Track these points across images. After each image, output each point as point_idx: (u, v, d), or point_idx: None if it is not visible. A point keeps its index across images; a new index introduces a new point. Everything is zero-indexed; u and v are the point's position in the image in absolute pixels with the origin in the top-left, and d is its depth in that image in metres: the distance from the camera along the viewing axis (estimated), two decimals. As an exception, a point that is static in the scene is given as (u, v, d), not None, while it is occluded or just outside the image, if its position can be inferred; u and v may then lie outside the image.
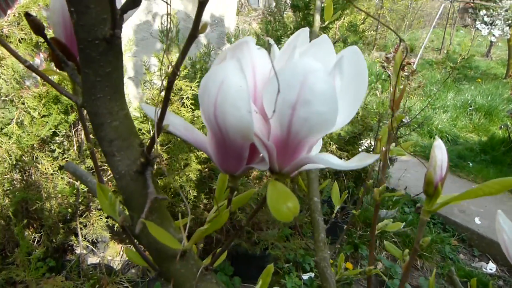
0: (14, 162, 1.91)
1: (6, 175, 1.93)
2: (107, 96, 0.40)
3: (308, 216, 2.33)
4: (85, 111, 0.42)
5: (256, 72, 0.38)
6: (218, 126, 0.35)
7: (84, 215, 2.12)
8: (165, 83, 0.36)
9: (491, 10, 8.84)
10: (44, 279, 1.84)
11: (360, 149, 2.85)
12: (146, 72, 2.19)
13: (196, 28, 0.32)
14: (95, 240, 2.28)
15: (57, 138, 2.04)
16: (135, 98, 2.92)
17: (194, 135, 0.41)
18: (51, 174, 1.99)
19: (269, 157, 0.37)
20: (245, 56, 0.37)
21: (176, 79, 1.55)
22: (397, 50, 3.56)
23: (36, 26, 0.40)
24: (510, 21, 8.19)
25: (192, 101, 2.04)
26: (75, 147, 2.06)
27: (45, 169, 1.96)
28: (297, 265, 2.58)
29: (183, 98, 2.09)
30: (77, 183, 2.04)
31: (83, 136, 2.05)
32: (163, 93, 0.38)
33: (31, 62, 0.42)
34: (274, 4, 2.81)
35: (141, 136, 2.06)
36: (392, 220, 0.71)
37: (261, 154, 0.38)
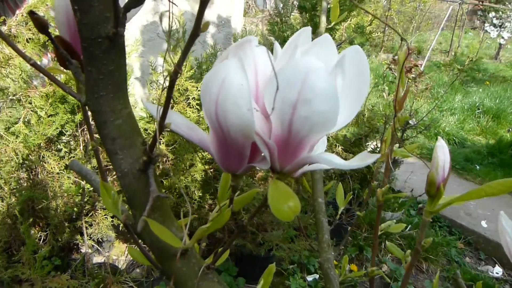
0: (21, 161, 1.92)
1: (13, 174, 1.94)
2: (110, 94, 0.40)
3: (313, 218, 2.33)
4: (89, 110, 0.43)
5: (258, 71, 0.38)
6: (219, 124, 0.35)
7: (89, 215, 2.13)
8: (167, 82, 0.36)
9: (500, 12, 8.80)
10: (50, 277, 1.85)
11: (366, 151, 2.84)
12: (152, 72, 2.19)
13: (198, 27, 0.32)
14: (100, 240, 2.29)
15: (63, 137, 2.05)
16: (142, 98, 2.93)
17: (196, 134, 0.41)
18: (57, 173, 2.00)
19: (271, 156, 0.37)
20: (248, 55, 0.37)
21: (179, 78, 1.55)
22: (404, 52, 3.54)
23: (41, 25, 0.40)
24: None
25: (198, 102, 2.05)
26: (81, 147, 2.07)
27: (51, 168, 1.98)
28: (301, 267, 2.58)
29: (189, 98, 2.09)
30: (83, 183, 2.05)
31: (89, 136, 2.06)
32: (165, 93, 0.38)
33: (35, 61, 0.42)
34: (281, 5, 2.82)
35: (147, 137, 2.07)
36: (395, 222, 0.71)
37: (263, 153, 0.38)
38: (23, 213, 1.93)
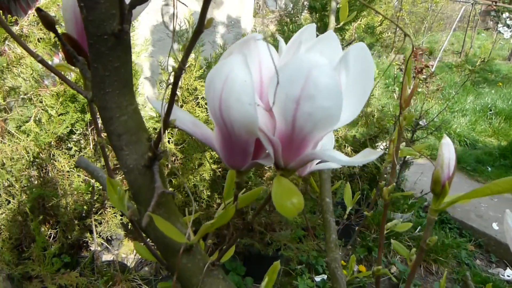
0: (32, 159, 1.94)
1: (24, 172, 1.96)
2: (116, 90, 0.40)
3: (321, 218, 2.32)
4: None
5: (263, 67, 0.38)
6: (223, 120, 0.35)
7: (99, 213, 2.15)
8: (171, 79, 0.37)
9: (513, 13, 8.70)
10: (59, 274, 1.87)
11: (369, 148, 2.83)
12: (162, 72, 2.20)
13: (202, 23, 0.32)
14: (109, 238, 2.31)
15: (73, 136, 2.07)
16: (148, 96, 2.94)
17: (201, 130, 0.42)
18: (68, 171, 2.02)
19: (275, 153, 0.37)
20: (252, 51, 0.38)
21: (188, 78, 1.56)
22: (416, 53, 3.52)
23: (48, 22, 0.41)
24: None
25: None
26: (91, 146, 2.08)
27: (61, 166, 1.99)
28: (309, 267, 2.58)
29: (198, 98, 2.10)
30: (93, 181, 2.06)
31: (96, 132, 2.07)
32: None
33: (42, 57, 0.42)
34: (291, 6, 2.81)
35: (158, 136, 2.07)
36: (401, 221, 0.70)
37: (267, 150, 0.39)
38: (34, 211, 1.95)
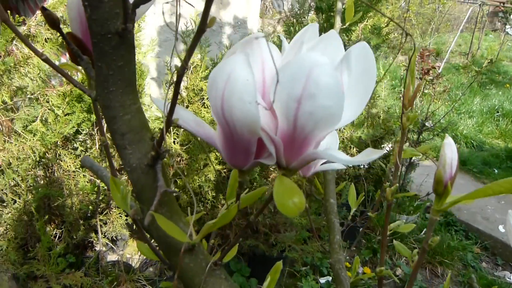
0: (38, 159, 1.95)
1: (30, 171, 1.97)
2: (119, 89, 0.40)
3: (326, 220, 2.31)
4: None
5: (265, 67, 0.38)
6: (225, 119, 0.35)
7: (104, 213, 2.15)
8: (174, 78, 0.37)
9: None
10: (64, 274, 1.88)
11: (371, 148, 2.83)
12: (168, 72, 2.21)
13: (204, 22, 0.32)
14: (114, 238, 2.31)
15: (80, 136, 2.08)
16: (154, 96, 2.95)
17: (204, 129, 0.42)
18: (73, 171, 2.03)
19: (276, 152, 0.37)
20: (255, 51, 0.38)
21: (194, 78, 1.56)
22: (422, 54, 3.51)
23: (52, 20, 0.41)
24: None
25: (213, 102, 2.05)
26: (97, 146, 2.09)
27: (67, 166, 2.00)
28: (314, 269, 2.57)
29: (203, 98, 2.10)
30: (98, 181, 2.07)
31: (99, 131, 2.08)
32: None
33: (47, 56, 0.43)
34: (297, 6, 2.81)
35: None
36: (404, 222, 0.70)
37: (269, 149, 0.39)
38: (39, 210, 1.96)
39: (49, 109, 1.97)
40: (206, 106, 2.08)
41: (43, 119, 1.96)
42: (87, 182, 2.07)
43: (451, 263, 2.87)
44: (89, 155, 2.07)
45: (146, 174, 0.44)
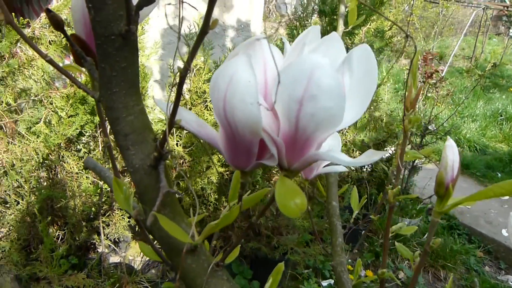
0: (41, 160, 1.95)
1: (33, 172, 1.98)
2: (122, 90, 0.41)
3: (328, 222, 2.31)
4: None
5: (268, 69, 0.38)
6: (227, 121, 0.36)
7: (107, 215, 2.16)
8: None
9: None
10: (66, 276, 1.88)
11: (384, 156, 2.82)
12: (171, 75, 2.22)
13: (207, 24, 0.33)
14: (117, 240, 2.32)
15: (83, 138, 2.08)
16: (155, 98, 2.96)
17: (206, 130, 0.42)
18: (76, 173, 2.03)
19: (278, 153, 0.38)
20: (257, 53, 0.38)
21: (197, 81, 1.56)
22: (425, 58, 3.51)
23: (56, 22, 0.41)
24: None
25: (216, 104, 2.06)
26: (100, 147, 2.10)
27: (70, 168, 2.01)
28: (316, 271, 2.57)
29: (206, 101, 2.11)
30: (101, 183, 2.08)
31: (103, 132, 2.09)
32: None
33: (51, 57, 0.43)
34: (301, 10, 2.82)
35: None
36: (406, 225, 0.70)
37: (271, 151, 0.39)
38: (42, 212, 1.96)
39: (52, 111, 1.97)
40: (209, 108, 2.09)
41: (47, 121, 1.97)
42: (90, 183, 2.08)
43: (453, 266, 2.86)
44: (92, 157, 2.07)
45: (148, 175, 0.44)
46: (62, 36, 1.98)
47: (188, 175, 2.12)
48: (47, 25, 2.00)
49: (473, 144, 5.28)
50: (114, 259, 2.40)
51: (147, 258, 2.39)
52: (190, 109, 2.10)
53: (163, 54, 2.95)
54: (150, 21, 2.29)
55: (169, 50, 3.00)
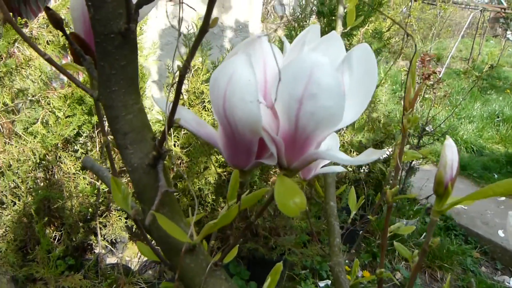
0: (38, 161, 1.95)
1: (30, 173, 1.97)
2: (122, 89, 0.41)
3: (325, 223, 2.31)
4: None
5: (267, 68, 0.38)
6: (227, 119, 0.36)
7: (104, 215, 2.15)
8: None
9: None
10: (63, 277, 1.87)
11: (381, 157, 2.83)
12: (169, 75, 2.22)
13: (207, 23, 0.33)
14: (114, 241, 2.31)
15: (80, 138, 2.08)
16: (153, 96, 2.96)
17: (205, 129, 0.42)
18: (73, 173, 2.03)
19: (278, 152, 0.38)
20: (257, 51, 0.38)
21: (195, 81, 1.56)
22: (423, 59, 3.51)
23: (55, 20, 0.41)
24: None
25: (214, 105, 2.06)
26: (97, 148, 2.09)
27: (67, 168, 2.00)
28: (313, 272, 2.57)
29: (204, 101, 2.11)
30: (98, 183, 2.07)
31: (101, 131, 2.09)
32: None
33: (50, 56, 0.43)
34: (299, 11, 2.82)
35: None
36: (404, 224, 0.70)
37: (270, 150, 0.39)
38: (39, 212, 1.96)
39: (50, 111, 1.97)
40: (207, 109, 2.09)
41: (44, 121, 1.97)
42: (87, 184, 2.07)
43: (450, 267, 2.87)
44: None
45: (147, 174, 0.44)
46: (60, 36, 1.97)
47: (185, 176, 2.11)
48: (45, 25, 2.00)
49: (470, 145, 5.30)
50: (111, 260, 2.39)
51: (144, 259, 2.38)
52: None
53: (161, 54, 2.95)
54: (148, 22, 2.29)
55: (167, 50, 3.00)
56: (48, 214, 2.00)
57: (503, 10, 10.36)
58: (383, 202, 0.96)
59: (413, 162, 3.31)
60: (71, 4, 0.46)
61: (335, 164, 0.94)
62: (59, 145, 2.02)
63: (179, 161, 2.13)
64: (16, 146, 1.91)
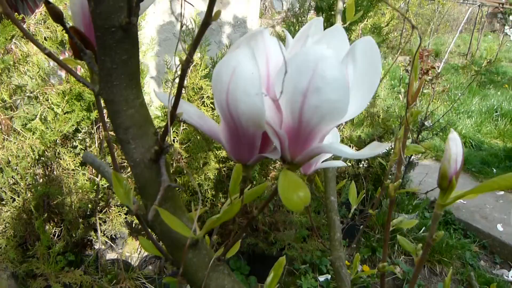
0: (37, 157, 1.94)
1: (29, 169, 1.97)
2: (123, 83, 0.40)
3: (325, 218, 2.32)
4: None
5: (270, 61, 0.38)
6: (230, 113, 0.35)
7: (103, 211, 2.15)
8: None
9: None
10: (63, 272, 1.87)
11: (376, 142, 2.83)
12: (168, 71, 2.21)
13: (209, 15, 0.32)
14: (113, 236, 2.31)
15: (79, 134, 2.07)
16: (154, 89, 2.95)
17: (207, 123, 0.42)
18: (73, 169, 2.03)
19: (281, 146, 0.37)
20: (259, 45, 0.37)
21: (193, 77, 1.56)
22: (422, 55, 3.51)
23: (56, 14, 0.41)
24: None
25: (213, 100, 2.05)
26: (96, 144, 2.09)
27: (66, 164, 2.00)
28: (313, 267, 2.57)
29: (203, 97, 2.10)
30: (98, 179, 2.07)
31: (102, 126, 2.09)
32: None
33: (50, 50, 0.43)
34: (297, 6, 2.81)
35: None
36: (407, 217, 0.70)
37: (274, 143, 0.38)
38: (38, 209, 1.95)
39: (48, 108, 1.96)
40: (206, 104, 2.08)
41: (43, 117, 1.96)
42: (87, 180, 2.07)
43: (449, 261, 2.87)
44: (89, 154, 2.06)
45: (149, 169, 0.44)
46: (58, 31, 1.97)
47: (185, 171, 2.11)
48: (43, 21, 1.99)
49: (469, 140, 5.30)
50: (111, 255, 2.40)
51: (144, 254, 2.39)
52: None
53: (159, 50, 2.94)
54: (146, 18, 2.28)
55: (165, 46, 2.99)
56: (47, 210, 2.00)
57: (501, 5, 10.36)
58: (383, 196, 0.96)
59: (412, 157, 3.31)
60: (71, -3, 0.46)
61: (335, 158, 0.94)
62: (58, 141, 2.01)
63: (178, 157, 2.13)
64: (14, 143, 1.90)
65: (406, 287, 2.51)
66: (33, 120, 1.95)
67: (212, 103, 2.07)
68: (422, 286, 2.65)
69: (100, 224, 2.12)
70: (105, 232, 2.15)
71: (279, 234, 2.21)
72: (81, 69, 1.94)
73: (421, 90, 3.61)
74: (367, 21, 2.86)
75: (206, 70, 2.10)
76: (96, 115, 2.01)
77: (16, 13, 1.90)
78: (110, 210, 2.15)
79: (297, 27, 2.71)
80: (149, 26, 2.81)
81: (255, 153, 0.40)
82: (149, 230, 0.50)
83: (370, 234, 3.01)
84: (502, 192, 3.93)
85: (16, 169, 1.93)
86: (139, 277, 2.04)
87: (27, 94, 1.98)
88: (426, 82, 3.60)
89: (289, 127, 0.36)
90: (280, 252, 2.22)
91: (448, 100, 6.40)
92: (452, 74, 8.28)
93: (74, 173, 2.04)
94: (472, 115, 6.10)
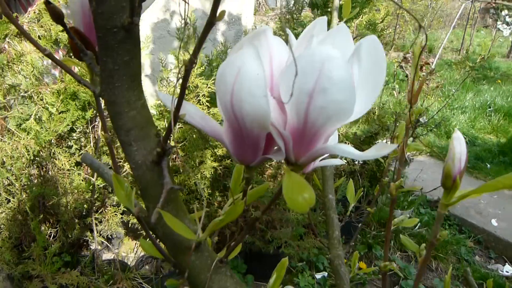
0: (32, 157, 1.93)
1: (24, 170, 1.95)
2: (125, 85, 0.40)
3: (322, 215, 2.32)
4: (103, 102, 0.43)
5: (273, 61, 0.37)
6: (234, 114, 0.35)
7: (99, 211, 2.14)
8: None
9: (512, 10, 8.71)
10: (60, 273, 1.86)
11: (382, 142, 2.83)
12: (163, 69, 2.20)
13: (214, 15, 0.32)
14: (110, 236, 2.30)
15: (74, 134, 2.06)
16: (152, 96, 2.94)
17: (210, 124, 0.41)
18: (68, 169, 2.01)
19: (285, 147, 0.37)
20: (263, 45, 0.37)
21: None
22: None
23: (56, 14, 0.40)
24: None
25: (208, 99, 2.05)
26: (91, 144, 2.08)
27: (62, 164, 1.99)
28: (310, 264, 2.58)
29: (199, 95, 2.09)
30: (93, 179, 2.06)
31: (99, 132, 2.07)
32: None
33: (50, 51, 0.42)
34: (292, 2, 2.81)
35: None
36: (408, 216, 0.70)
37: (278, 145, 0.38)
38: (34, 209, 1.94)
39: (43, 107, 1.95)
40: (201, 103, 2.07)
41: (37, 117, 1.94)
42: (82, 180, 2.06)
43: (445, 257, 2.89)
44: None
45: (151, 171, 0.43)
46: (52, 30, 1.95)
47: (181, 170, 2.11)
48: (36, 20, 1.97)
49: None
50: (107, 256, 2.39)
51: (141, 254, 2.38)
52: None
53: (154, 48, 2.93)
54: (141, 15, 2.27)
55: (159, 44, 2.97)
56: (43, 211, 1.99)
57: (493, 1, 10.39)
58: (380, 194, 0.96)
59: (407, 153, 3.32)
60: (70, -2, 0.45)
61: (333, 157, 0.93)
62: (53, 141, 2.00)
63: (174, 156, 2.12)
64: (9, 143, 1.89)
65: (403, 283, 2.52)
66: (27, 120, 1.93)
67: (208, 101, 2.06)
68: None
69: (96, 224, 2.12)
70: (101, 232, 2.14)
71: (276, 232, 2.21)
72: (75, 68, 1.93)
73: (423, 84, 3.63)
74: (362, 17, 2.86)
75: (201, 68, 2.09)
76: (91, 114, 2.00)
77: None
78: (106, 210, 2.14)
79: (292, 24, 2.70)
80: (144, 24, 2.80)
81: (259, 154, 0.39)
82: (151, 232, 0.49)
83: (366, 231, 3.02)
84: (496, 188, 3.94)
85: (10, 170, 1.91)
86: (136, 277, 2.03)
87: (21, 94, 1.96)
88: (420, 78, 3.61)
89: (293, 128, 0.36)
90: (277, 250, 2.22)
91: (442, 96, 6.43)
92: (446, 69, 8.31)
93: (69, 173, 2.03)
94: (466, 111, 6.12)
